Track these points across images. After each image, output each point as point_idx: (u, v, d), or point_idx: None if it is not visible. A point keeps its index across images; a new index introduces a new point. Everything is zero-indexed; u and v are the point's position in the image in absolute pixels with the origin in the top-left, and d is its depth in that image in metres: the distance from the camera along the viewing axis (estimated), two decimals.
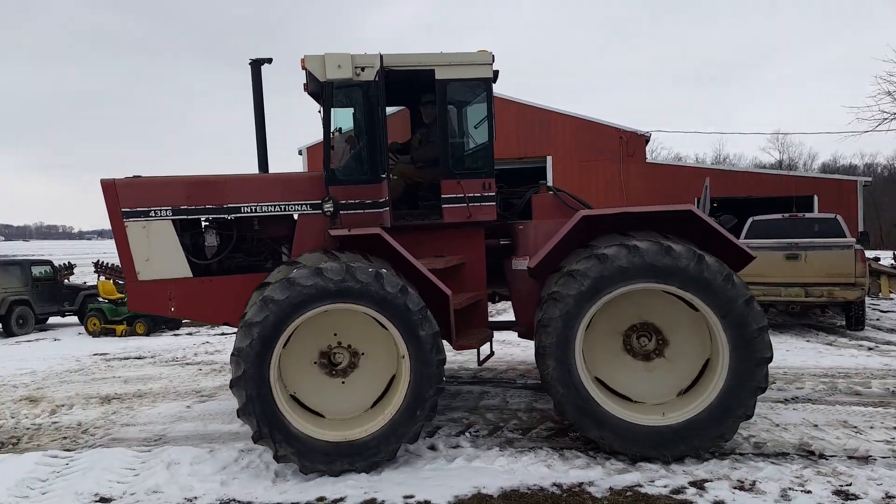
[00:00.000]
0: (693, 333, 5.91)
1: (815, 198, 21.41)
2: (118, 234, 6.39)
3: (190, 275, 6.46)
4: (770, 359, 5.47)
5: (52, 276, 18.43)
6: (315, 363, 5.87)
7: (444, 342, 5.98)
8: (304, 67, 6.23)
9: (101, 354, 13.00)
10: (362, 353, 5.91)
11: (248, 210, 6.53)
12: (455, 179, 6.49)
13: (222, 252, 6.65)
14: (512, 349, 10.98)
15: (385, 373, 5.92)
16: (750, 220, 13.21)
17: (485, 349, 7.09)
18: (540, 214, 6.80)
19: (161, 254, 6.41)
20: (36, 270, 17.98)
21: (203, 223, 6.69)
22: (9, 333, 16.80)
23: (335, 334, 5.87)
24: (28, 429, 7.46)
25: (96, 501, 5.24)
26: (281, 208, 6.57)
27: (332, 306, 5.43)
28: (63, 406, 8.44)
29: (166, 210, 6.40)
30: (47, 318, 18.57)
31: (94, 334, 16.12)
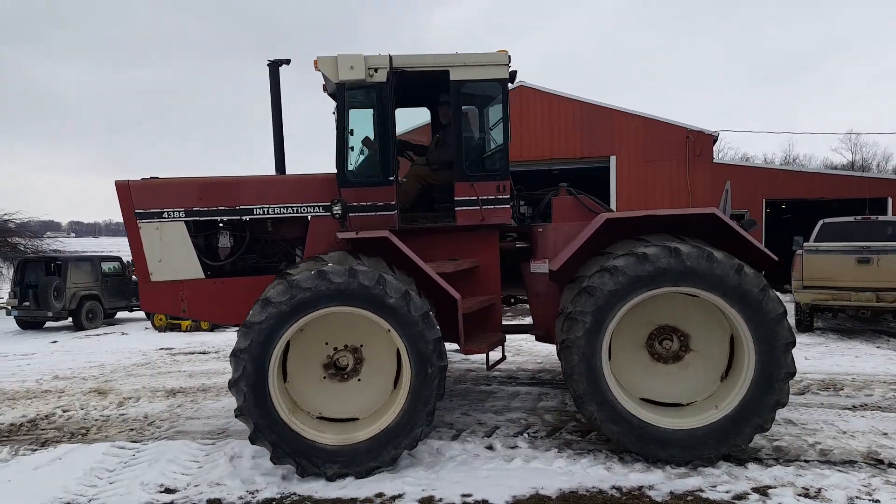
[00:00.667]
0: (708, 317, 5.82)
1: (890, 200, 20.46)
2: (131, 234, 6.48)
3: (202, 276, 6.50)
4: (784, 313, 5.36)
5: (121, 271, 19.16)
6: (325, 378, 5.85)
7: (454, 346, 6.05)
8: (317, 68, 6.20)
9: (166, 349, 13.44)
10: (361, 346, 5.88)
11: (262, 212, 6.55)
12: (468, 182, 6.38)
13: (235, 253, 6.69)
14: None
15: (389, 352, 5.86)
16: (820, 222, 12.72)
17: (497, 354, 6.98)
18: (560, 217, 6.71)
19: (173, 255, 6.46)
20: (105, 266, 18.73)
21: (219, 224, 6.71)
22: (79, 327, 17.54)
23: (326, 343, 5.85)
24: (97, 420, 7.75)
25: (161, 492, 5.39)
26: (294, 210, 6.57)
27: (298, 324, 5.37)
28: (130, 399, 8.74)
29: (179, 212, 6.46)
30: (115, 313, 19.33)
31: (160, 329, 16.65)
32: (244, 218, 6.55)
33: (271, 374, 5.35)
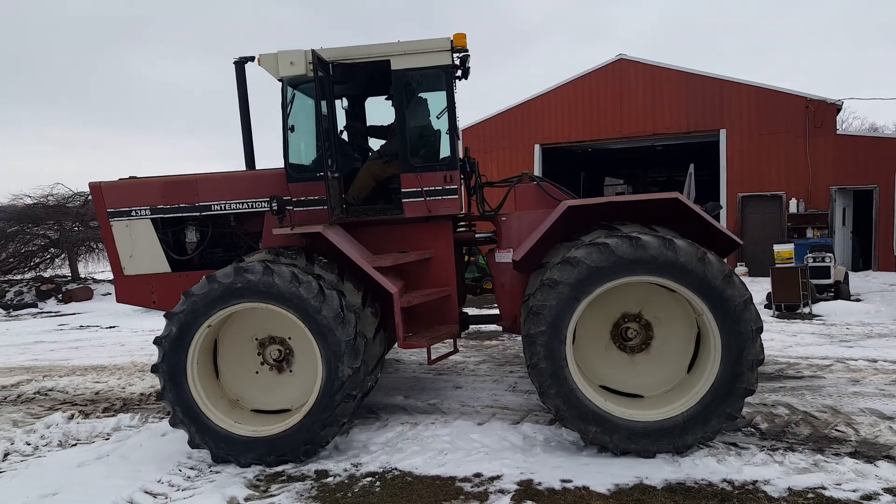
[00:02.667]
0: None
1: None
2: (105, 232, 6.88)
3: (168, 270, 6.82)
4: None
5: None
6: (291, 371, 5.97)
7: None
8: (260, 65, 6.28)
9: None
10: (267, 337, 5.95)
11: (219, 208, 6.76)
12: (414, 173, 6.29)
13: (198, 248, 6.94)
14: None
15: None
16: None
17: (450, 345, 6.91)
18: (523, 205, 6.58)
19: (142, 250, 6.80)
20: None
21: (185, 220, 6.96)
22: None
23: (260, 364, 5.99)
24: None
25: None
26: (249, 205, 6.73)
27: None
28: None
29: (145, 209, 6.78)
30: None
31: None
32: (203, 214, 6.80)
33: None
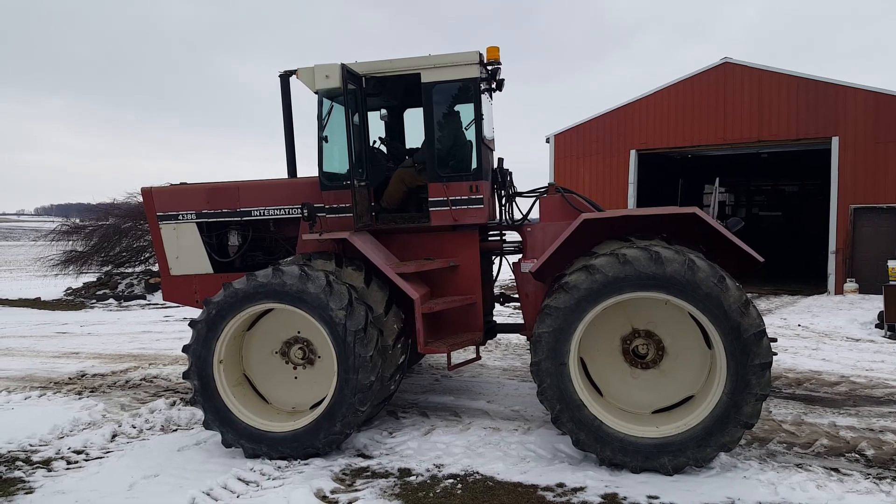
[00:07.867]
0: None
1: None
2: (154, 234, 7.30)
3: (211, 271, 7.15)
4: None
5: None
6: (320, 356, 6.15)
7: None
8: (298, 78, 6.50)
9: None
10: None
11: (258, 213, 7.04)
12: (441, 182, 6.42)
13: (239, 251, 7.20)
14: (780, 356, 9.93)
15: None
16: None
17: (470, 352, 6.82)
18: (547, 216, 6.66)
19: (187, 252, 7.18)
20: None
21: (227, 225, 7.21)
22: None
23: (293, 369, 6.25)
24: None
25: (357, 456, 5.87)
26: (286, 212, 6.97)
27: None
28: None
29: (191, 214, 7.15)
30: None
31: None
32: (243, 219, 7.06)
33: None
